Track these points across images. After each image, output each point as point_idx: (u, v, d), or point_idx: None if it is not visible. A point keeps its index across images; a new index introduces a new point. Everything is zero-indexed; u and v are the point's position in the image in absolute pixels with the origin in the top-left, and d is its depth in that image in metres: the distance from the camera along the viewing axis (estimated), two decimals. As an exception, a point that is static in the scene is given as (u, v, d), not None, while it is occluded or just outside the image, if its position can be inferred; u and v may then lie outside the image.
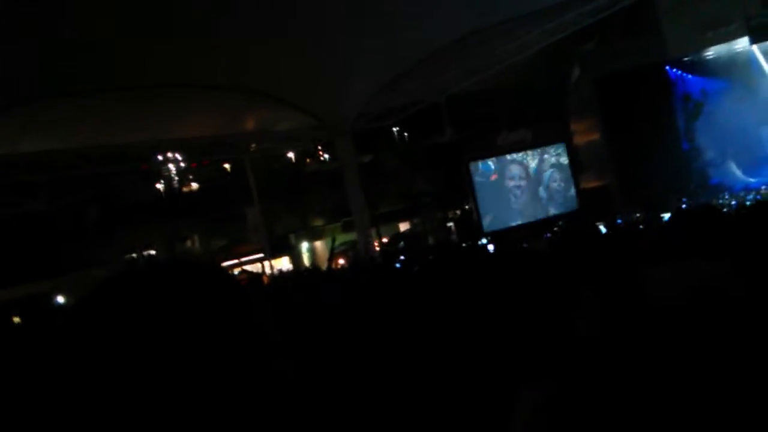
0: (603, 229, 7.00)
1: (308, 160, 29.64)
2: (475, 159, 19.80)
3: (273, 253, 24.25)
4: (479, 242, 15.51)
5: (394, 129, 25.83)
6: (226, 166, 28.42)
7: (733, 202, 15.03)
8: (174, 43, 13.34)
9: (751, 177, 19.30)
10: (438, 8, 15.14)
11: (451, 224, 24.64)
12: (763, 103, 19.24)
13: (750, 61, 19.22)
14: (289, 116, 19.21)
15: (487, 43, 17.66)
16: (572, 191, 20.30)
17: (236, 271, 20.60)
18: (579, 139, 21.86)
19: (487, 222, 19.44)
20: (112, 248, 23.89)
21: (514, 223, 19.36)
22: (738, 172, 20.11)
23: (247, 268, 21.95)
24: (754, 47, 18.35)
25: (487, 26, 16.98)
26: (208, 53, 14.23)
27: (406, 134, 26.38)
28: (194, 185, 29.52)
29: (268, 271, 23.08)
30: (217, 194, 26.55)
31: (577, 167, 20.75)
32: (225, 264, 23.15)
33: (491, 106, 22.01)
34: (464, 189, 20.25)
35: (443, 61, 18.08)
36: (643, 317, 2.60)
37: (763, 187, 16.64)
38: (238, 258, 24.35)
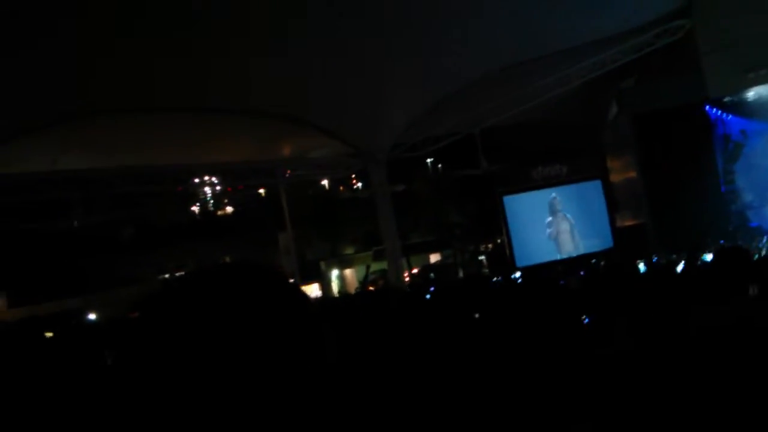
0: (642, 267, 6.85)
1: (341, 188, 29.85)
2: (509, 192, 19.67)
3: (303, 279, 24.34)
4: (511, 276, 15.36)
5: (429, 159, 25.92)
6: (261, 191, 28.76)
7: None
8: (214, 68, 13.63)
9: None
10: (475, 41, 15.26)
11: (482, 257, 24.47)
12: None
13: (793, 104, 18.91)
14: (324, 144, 19.42)
15: (524, 76, 17.71)
16: (607, 229, 20.00)
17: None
18: (615, 177, 21.61)
19: (520, 256, 19.23)
20: (145, 268, 24.21)
21: (547, 259, 19.11)
22: None
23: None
24: (798, 88, 18.09)
25: (524, 61, 17.05)
26: (249, 80, 14.51)
27: (440, 165, 26.43)
28: (229, 209, 29.92)
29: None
30: (250, 219, 26.88)
31: (612, 204, 20.47)
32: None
33: (527, 139, 21.96)
34: (497, 222, 20.12)
35: (480, 93, 18.15)
36: (687, 351, 2.54)
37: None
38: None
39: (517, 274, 15.55)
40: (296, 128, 17.93)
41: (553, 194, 19.66)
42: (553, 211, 19.64)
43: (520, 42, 15.92)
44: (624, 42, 17.73)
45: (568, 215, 19.76)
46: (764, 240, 16.35)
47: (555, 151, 21.01)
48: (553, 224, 19.63)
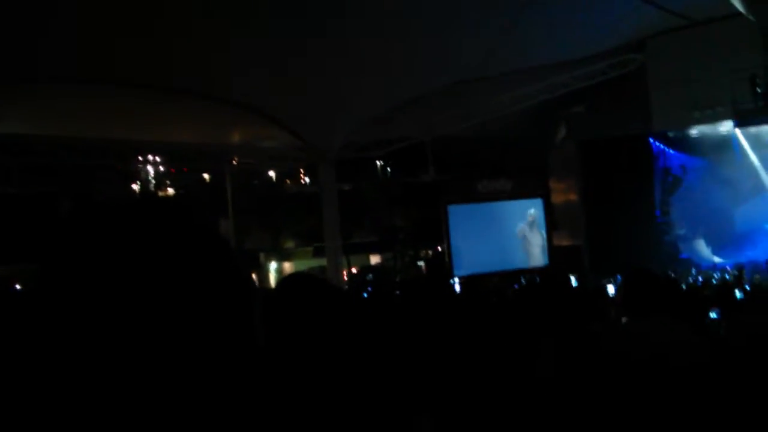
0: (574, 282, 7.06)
1: (288, 181, 29.60)
2: (454, 202, 19.94)
3: (240, 269, 24.02)
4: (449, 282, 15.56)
5: (378, 162, 26.00)
6: (205, 175, 28.26)
7: (699, 278, 15.30)
8: (172, 45, 13.35)
9: (718, 256, 19.66)
10: (437, 54, 15.42)
11: (422, 263, 24.70)
12: (739, 186, 19.73)
13: (732, 144, 19.75)
14: (276, 135, 19.25)
15: (479, 92, 18.01)
16: (544, 247, 20.52)
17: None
18: (557, 197, 22.17)
19: (459, 266, 19.52)
20: (78, 242, 23.45)
21: (484, 270, 19.46)
22: (707, 250, 20.50)
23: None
24: (737, 131, 18.89)
25: (480, 77, 17.34)
26: (205, 62, 14.27)
27: (389, 168, 26.54)
28: (170, 191, 29.28)
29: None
30: (191, 203, 26.38)
31: (551, 224, 21.01)
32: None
33: (476, 152, 22.30)
34: (439, 230, 20.35)
35: (435, 102, 18.37)
36: (597, 367, 2.67)
37: (728, 267, 16.96)
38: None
39: (456, 281, 15.82)
40: (249, 116, 17.74)
41: (496, 208, 20.04)
42: (494, 225, 20.01)
43: (478, 59, 16.17)
44: (577, 69, 18.22)
45: (509, 230, 20.18)
46: (693, 272, 17.04)
47: (502, 166, 21.44)
48: (493, 237, 20.00)
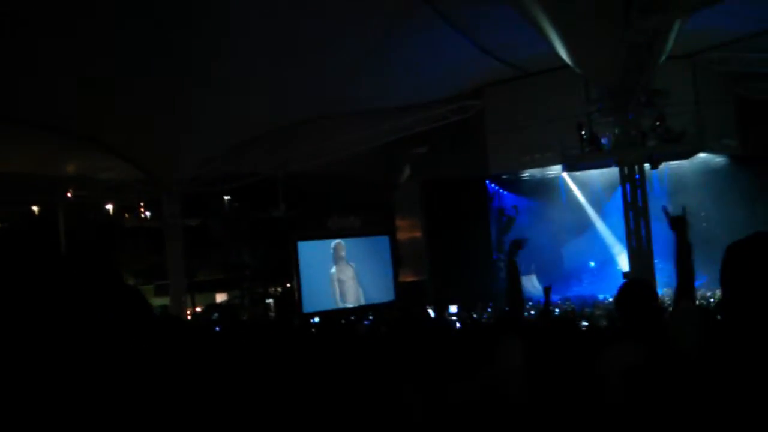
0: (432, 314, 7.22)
1: (127, 216, 28.14)
2: (304, 238, 19.95)
3: (72, 309, 22.34)
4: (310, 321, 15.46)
5: (226, 197, 25.44)
6: (34, 208, 26.16)
7: (533, 312, 16.31)
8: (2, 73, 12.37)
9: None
10: (286, 90, 15.52)
11: (270, 300, 24.30)
12: (566, 225, 21.44)
13: (560, 186, 21.49)
14: (115, 166, 18.30)
15: (328, 131, 18.32)
16: (391, 282, 21.04)
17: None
18: (402, 234, 22.88)
19: (308, 302, 19.46)
20: None
21: (333, 306, 19.57)
22: (539, 286, 21.98)
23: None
24: (565, 174, 20.54)
25: (326, 116, 17.65)
26: (34, 88, 13.33)
27: (236, 203, 26.04)
28: (-7, 224, 26.77)
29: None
30: (17, 238, 24.23)
31: (397, 260, 21.62)
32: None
33: (326, 189, 22.51)
34: (288, 267, 20.22)
35: (285, 138, 18.41)
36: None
37: (559, 301, 18.19)
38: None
39: (316, 320, 15.76)
40: (86, 145, 16.73)
41: (345, 245, 20.30)
42: (342, 261, 20.24)
43: (325, 99, 16.48)
44: (420, 113, 18.98)
45: (357, 266, 20.48)
46: (528, 305, 18.10)
47: (351, 203, 21.81)
48: (342, 273, 20.20)
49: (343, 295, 20.02)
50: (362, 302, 20.00)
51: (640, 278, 4.58)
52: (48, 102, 13.84)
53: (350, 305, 19.79)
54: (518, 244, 4.15)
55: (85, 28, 11.20)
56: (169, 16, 11.30)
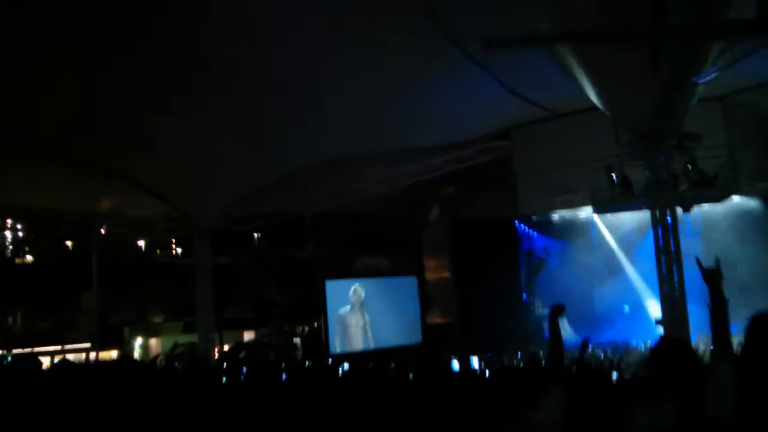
0: (456, 366, 7.05)
1: (158, 251, 28.54)
2: (331, 278, 19.94)
3: (102, 345, 22.54)
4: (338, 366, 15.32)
5: (256, 234, 25.68)
6: (68, 242, 26.70)
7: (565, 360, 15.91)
8: (41, 110, 12.76)
9: (580, 335, 20.59)
10: (307, 131, 15.65)
11: (297, 340, 24.24)
12: (598, 268, 21.06)
13: (590, 228, 21.21)
14: (148, 203, 18.59)
15: (355, 170, 18.41)
16: (418, 324, 20.85)
17: (57, 359, 18.85)
18: (430, 274, 22.73)
19: (335, 343, 19.35)
20: None
21: (361, 348, 19.43)
22: (569, 329, 21.53)
23: (71, 357, 20.11)
24: (595, 216, 20.29)
25: (354, 156, 17.74)
26: (76, 128, 13.71)
27: (266, 241, 26.26)
28: (29, 258, 27.36)
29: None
30: (52, 271, 24.66)
31: (425, 301, 21.45)
32: (46, 349, 21.19)
33: (355, 228, 22.59)
34: (316, 306, 20.20)
35: (314, 177, 18.55)
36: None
37: (592, 347, 17.74)
38: (62, 344, 22.37)
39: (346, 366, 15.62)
40: (121, 182, 17.07)
41: (373, 285, 20.22)
42: (371, 302, 20.14)
43: (353, 139, 16.60)
44: (449, 153, 19.00)
45: (385, 307, 20.36)
46: None
47: (379, 243, 21.80)
48: (370, 314, 20.09)
49: (372, 337, 19.88)
50: (392, 344, 19.79)
51: (677, 337, 4.42)
52: (83, 138, 14.20)
53: (378, 347, 19.62)
54: (559, 310, 4.40)
55: (123, 66, 11.51)
56: (201, 61, 11.56)
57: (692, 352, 3.34)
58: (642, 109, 10.75)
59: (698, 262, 3.49)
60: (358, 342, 19.74)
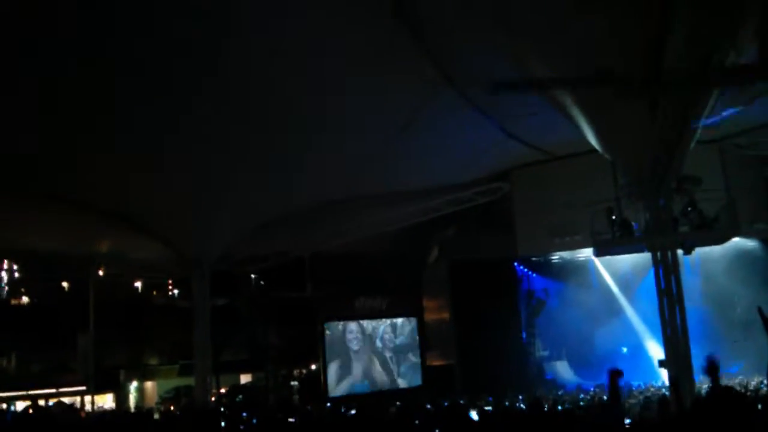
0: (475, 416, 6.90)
1: (155, 293, 28.35)
2: (331, 320, 19.82)
3: (97, 388, 22.23)
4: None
5: (253, 276, 25.54)
6: (64, 284, 26.53)
7: (566, 403, 15.63)
8: (41, 152, 12.77)
9: (581, 377, 20.47)
10: (305, 173, 15.67)
11: (295, 383, 23.93)
12: (598, 309, 20.98)
13: (589, 269, 21.17)
14: (146, 245, 18.52)
15: (354, 211, 18.42)
16: (419, 366, 20.67)
17: (51, 402, 18.57)
18: (430, 316, 22.59)
19: (334, 385, 19.13)
20: None
21: (361, 390, 19.20)
22: (570, 371, 21.37)
23: (65, 400, 19.75)
24: (595, 258, 20.20)
25: (353, 198, 17.73)
26: (77, 171, 13.72)
27: (263, 283, 26.11)
28: (24, 299, 27.16)
29: (88, 407, 21.05)
30: (48, 313, 24.45)
31: (425, 343, 21.29)
32: (39, 392, 20.85)
33: (354, 269, 22.51)
34: (315, 348, 20.01)
35: (312, 218, 18.54)
36: None
37: (592, 389, 17.51)
38: (56, 387, 22.02)
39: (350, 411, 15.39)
40: (119, 225, 17.03)
41: (372, 327, 20.09)
42: (370, 344, 19.98)
43: (352, 180, 16.60)
44: (446, 195, 19.05)
45: (385, 349, 20.19)
46: (560, 393, 17.46)
47: (378, 284, 21.71)
48: (370, 357, 19.91)
49: (372, 379, 19.68)
50: (392, 386, 19.58)
51: (729, 387, 4.32)
52: (81, 180, 14.19)
53: (377, 389, 19.40)
54: (618, 374, 5.33)
55: (122, 107, 11.56)
56: (200, 101, 11.62)
57: (747, 402, 3.27)
58: (641, 153, 10.85)
59: (760, 311, 3.61)
60: (357, 385, 19.54)
